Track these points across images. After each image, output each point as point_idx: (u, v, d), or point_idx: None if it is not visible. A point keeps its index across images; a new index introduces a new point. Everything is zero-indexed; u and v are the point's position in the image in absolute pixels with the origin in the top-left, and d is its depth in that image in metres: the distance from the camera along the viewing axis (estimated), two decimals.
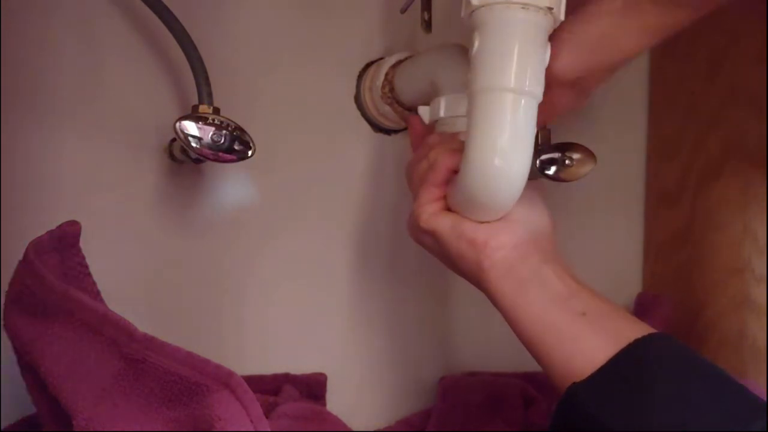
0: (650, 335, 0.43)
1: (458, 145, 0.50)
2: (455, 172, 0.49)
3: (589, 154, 0.61)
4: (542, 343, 0.46)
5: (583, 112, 0.74)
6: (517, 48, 0.43)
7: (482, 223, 0.49)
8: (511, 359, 0.73)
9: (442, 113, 0.56)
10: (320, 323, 0.68)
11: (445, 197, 0.51)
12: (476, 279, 0.50)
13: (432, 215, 0.51)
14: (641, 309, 0.77)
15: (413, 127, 0.62)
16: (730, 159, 0.70)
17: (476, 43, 0.44)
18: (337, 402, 0.67)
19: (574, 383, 0.43)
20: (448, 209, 0.51)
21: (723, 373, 0.42)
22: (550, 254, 0.49)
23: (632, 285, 0.81)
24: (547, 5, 0.43)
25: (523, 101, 0.43)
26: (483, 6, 0.43)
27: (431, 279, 0.72)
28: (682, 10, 0.43)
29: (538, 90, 0.44)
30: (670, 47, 0.77)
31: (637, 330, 0.44)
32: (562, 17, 0.44)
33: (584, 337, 0.44)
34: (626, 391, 0.41)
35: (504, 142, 0.44)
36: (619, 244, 0.80)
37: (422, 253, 0.52)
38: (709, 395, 0.41)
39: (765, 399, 0.41)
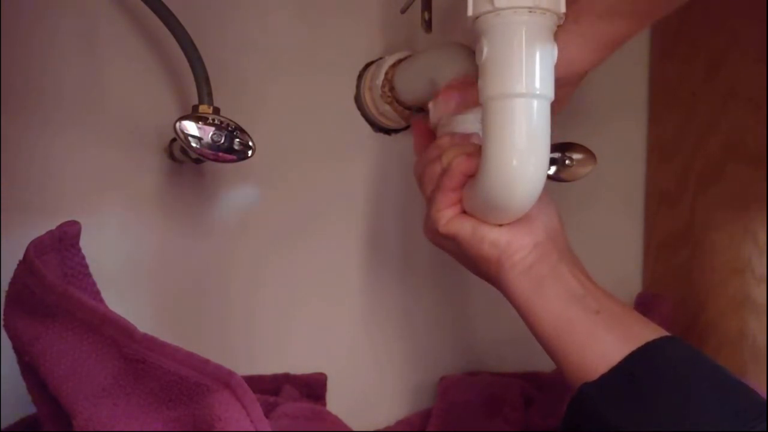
0: (661, 338, 0.44)
1: (472, 149, 0.51)
2: (470, 176, 0.50)
3: (589, 154, 0.61)
4: (557, 339, 0.47)
5: (583, 112, 0.74)
6: (525, 53, 0.43)
7: (502, 225, 0.49)
8: (512, 359, 0.74)
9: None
10: (320, 324, 0.68)
11: (461, 201, 0.51)
12: (495, 278, 0.50)
13: (451, 220, 0.51)
14: (641, 309, 0.77)
15: (417, 129, 0.62)
16: (730, 159, 0.70)
17: (485, 50, 0.45)
18: (337, 402, 0.67)
19: (585, 383, 0.44)
20: (465, 212, 0.51)
21: (730, 375, 0.43)
22: (566, 252, 0.50)
23: (632, 285, 0.81)
24: (552, 6, 0.43)
25: (535, 103, 0.44)
26: (490, 12, 0.44)
27: (433, 280, 0.72)
28: (626, 22, 0.44)
29: (550, 91, 0.44)
30: (670, 47, 0.77)
31: (649, 331, 0.45)
32: (563, 10, 0.44)
33: (598, 335, 0.45)
34: (636, 392, 0.42)
35: (521, 145, 0.45)
36: (619, 244, 0.80)
37: (426, 254, 0.52)
38: (717, 398, 0.41)
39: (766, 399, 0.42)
